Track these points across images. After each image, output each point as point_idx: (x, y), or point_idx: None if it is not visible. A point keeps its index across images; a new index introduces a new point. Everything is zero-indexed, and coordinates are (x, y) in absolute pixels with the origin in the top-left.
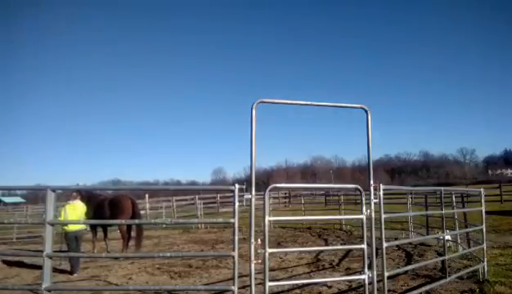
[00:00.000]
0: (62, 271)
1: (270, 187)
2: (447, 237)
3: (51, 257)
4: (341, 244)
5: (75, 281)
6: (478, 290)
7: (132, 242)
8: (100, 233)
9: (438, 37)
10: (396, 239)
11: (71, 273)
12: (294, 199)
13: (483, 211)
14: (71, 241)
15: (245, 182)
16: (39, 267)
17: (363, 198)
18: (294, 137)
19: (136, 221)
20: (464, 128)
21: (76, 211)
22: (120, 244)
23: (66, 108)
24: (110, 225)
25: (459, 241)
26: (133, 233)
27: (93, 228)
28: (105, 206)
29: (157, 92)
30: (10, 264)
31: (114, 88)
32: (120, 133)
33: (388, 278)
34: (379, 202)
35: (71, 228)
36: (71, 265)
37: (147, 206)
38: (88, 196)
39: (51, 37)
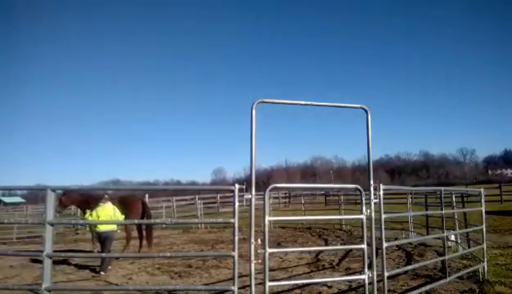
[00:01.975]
0: (62, 269)
1: (270, 187)
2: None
3: (51, 257)
4: (341, 244)
5: (75, 281)
6: (478, 290)
7: (144, 243)
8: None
9: (438, 37)
10: (396, 239)
11: (99, 271)
12: (294, 199)
13: (483, 211)
14: (102, 240)
15: (245, 182)
16: (39, 266)
17: (363, 198)
18: (294, 137)
19: (136, 221)
20: (464, 128)
21: (106, 212)
22: (120, 244)
23: (66, 108)
24: None
25: (459, 241)
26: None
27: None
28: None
29: (157, 92)
30: (35, 261)
31: (113, 88)
32: (120, 133)
33: (388, 278)
34: (379, 202)
35: (103, 228)
36: (101, 263)
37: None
38: (91, 196)
39: (51, 38)
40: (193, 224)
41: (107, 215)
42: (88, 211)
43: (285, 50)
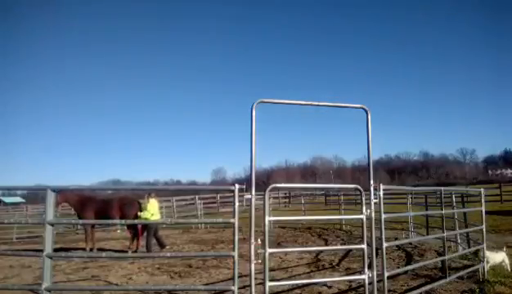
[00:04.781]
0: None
1: (270, 187)
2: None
3: (51, 257)
4: (341, 244)
5: (75, 281)
6: (478, 290)
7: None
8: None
9: (439, 37)
10: (396, 239)
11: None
12: (294, 199)
13: (483, 211)
14: (151, 229)
15: (245, 182)
16: (39, 266)
17: (363, 198)
18: (294, 137)
19: (136, 221)
20: (464, 128)
21: (155, 206)
22: (119, 244)
23: (66, 108)
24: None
25: (459, 241)
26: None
27: (92, 227)
28: (114, 206)
29: (157, 92)
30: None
31: (114, 88)
32: (120, 133)
33: (388, 278)
34: (379, 202)
35: (153, 219)
36: (147, 248)
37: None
38: (85, 197)
39: (50, 37)
40: (193, 224)
41: (155, 209)
42: (149, 205)
43: (285, 49)
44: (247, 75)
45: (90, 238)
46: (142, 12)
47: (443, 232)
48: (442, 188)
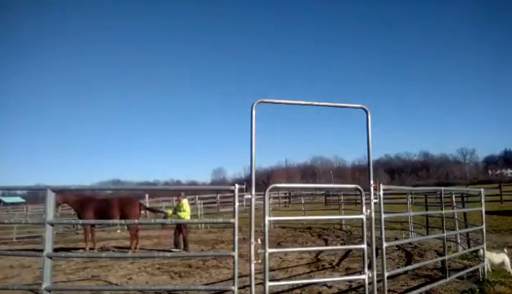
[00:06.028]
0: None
1: (270, 187)
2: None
3: (51, 257)
4: (341, 244)
5: (75, 281)
6: (478, 290)
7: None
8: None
9: (438, 36)
10: (396, 239)
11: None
12: (294, 199)
13: (483, 211)
14: (186, 226)
15: (245, 182)
16: (39, 266)
17: (363, 198)
18: (294, 137)
19: (136, 221)
20: (464, 128)
21: (187, 206)
22: (120, 244)
23: (66, 108)
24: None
25: (459, 241)
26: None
27: (92, 227)
28: (114, 205)
29: (157, 92)
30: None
31: (113, 88)
32: (120, 133)
33: (388, 278)
34: (379, 202)
35: (187, 218)
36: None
37: (147, 206)
38: (85, 197)
39: (50, 37)
40: (193, 224)
41: (187, 208)
42: (185, 204)
43: (285, 49)
44: (247, 75)
45: (90, 238)
46: (142, 12)
47: (443, 232)
48: (442, 188)
